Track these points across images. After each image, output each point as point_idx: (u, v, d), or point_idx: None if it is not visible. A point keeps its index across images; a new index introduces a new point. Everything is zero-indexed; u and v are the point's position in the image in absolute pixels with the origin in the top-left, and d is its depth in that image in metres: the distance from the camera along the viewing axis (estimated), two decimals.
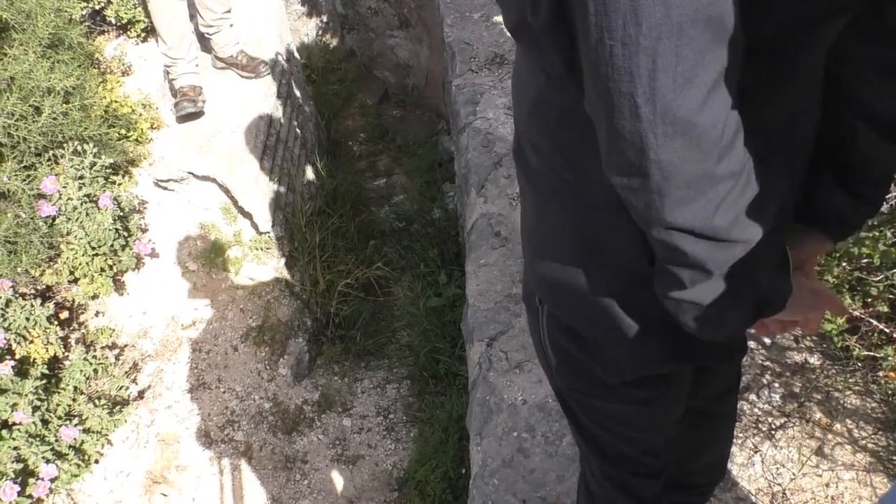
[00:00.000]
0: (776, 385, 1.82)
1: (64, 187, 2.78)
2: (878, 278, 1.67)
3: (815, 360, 1.85)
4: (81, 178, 2.84)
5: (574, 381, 1.00)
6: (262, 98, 3.49)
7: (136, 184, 3.32)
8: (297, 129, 3.92)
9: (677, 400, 1.03)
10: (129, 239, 3.01)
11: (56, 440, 2.66)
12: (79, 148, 2.85)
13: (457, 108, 2.99)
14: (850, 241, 1.62)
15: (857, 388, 1.78)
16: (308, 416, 3.26)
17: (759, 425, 1.76)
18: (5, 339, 2.56)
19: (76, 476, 2.75)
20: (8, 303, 2.63)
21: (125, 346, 3.23)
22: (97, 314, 3.21)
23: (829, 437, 1.72)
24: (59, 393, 2.74)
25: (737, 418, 1.71)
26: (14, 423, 2.53)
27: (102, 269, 2.93)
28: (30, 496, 2.55)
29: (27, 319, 2.64)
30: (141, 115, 3.29)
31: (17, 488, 2.44)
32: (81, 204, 2.82)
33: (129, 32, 3.63)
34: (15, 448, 2.53)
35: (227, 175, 3.29)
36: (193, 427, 3.13)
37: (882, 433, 1.70)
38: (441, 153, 4.47)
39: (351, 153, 4.67)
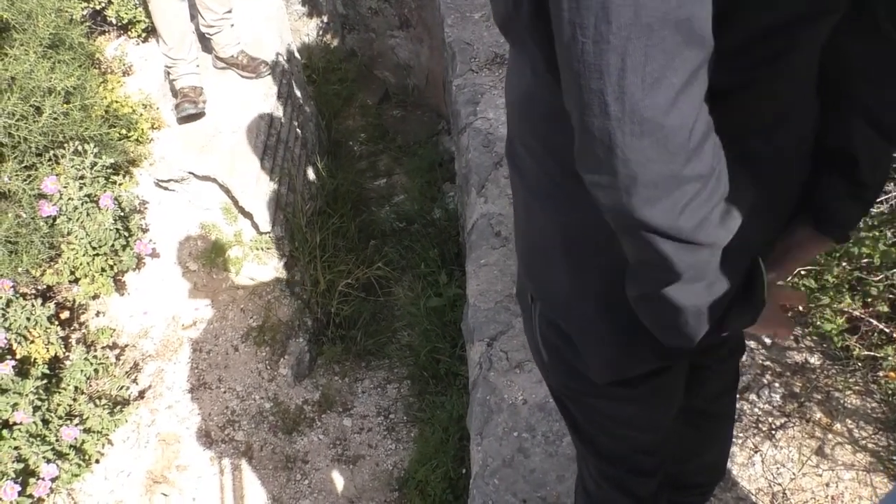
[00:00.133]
0: (776, 385, 1.82)
1: (65, 187, 2.79)
2: (878, 278, 1.67)
3: (815, 359, 1.85)
4: (82, 178, 2.85)
5: (567, 378, 1.00)
6: (263, 98, 3.50)
7: (137, 184, 3.32)
8: (298, 129, 3.92)
9: (669, 399, 1.03)
10: (129, 239, 3.02)
11: (57, 440, 2.67)
12: (79, 148, 2.85)
13: (457, 108, 2.99)
14: (850, 241, 1.62)
15: (857, 388, 1.78)
16: (308, 416, 3.26)
17: (760, 425, 1.76)
18: (6, 338, 2.56)
19: (77, 476, 2.75)
20: (9, 303, 2.64)
21: (126, 345, 3.23)
22: (98, 314, 3.21)
23: (830, 436, 1.72)
24: (59, 393, 2.74)
25: (737, 418, 1.71)
26: (15, 423, 2.53)
27: (103, 269, 2.94)
28: (30, 496, 2.56)
29: (28, 319, 2.65)
30: (141, 115, 3.29)
31: (18, 488, 2.45)
32: (82, 204, 2.82)
33: (129, 32, 3.63)
34: (16, 448, 2.53)
35: (228, 175, 3.29)
36: (194, 427, 3.13)
37: (882, 433, 1.70)
38: (441, 153, 4.47)
39: (351, 153, 4.67)
